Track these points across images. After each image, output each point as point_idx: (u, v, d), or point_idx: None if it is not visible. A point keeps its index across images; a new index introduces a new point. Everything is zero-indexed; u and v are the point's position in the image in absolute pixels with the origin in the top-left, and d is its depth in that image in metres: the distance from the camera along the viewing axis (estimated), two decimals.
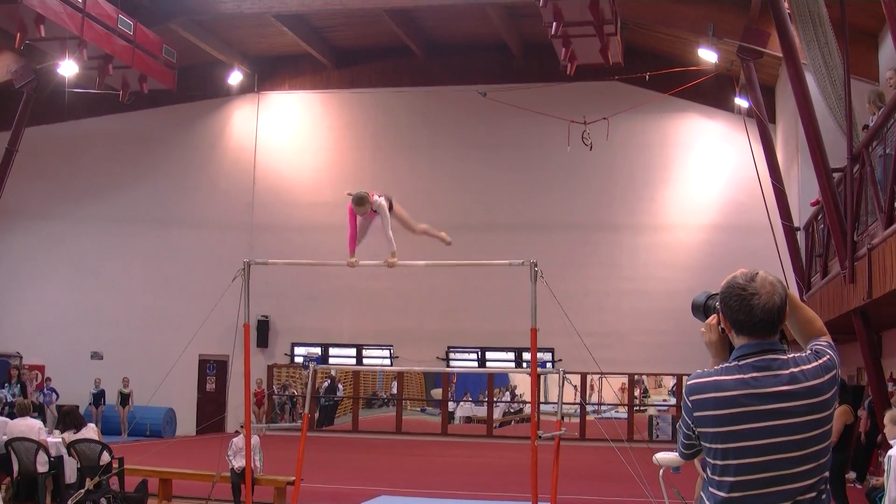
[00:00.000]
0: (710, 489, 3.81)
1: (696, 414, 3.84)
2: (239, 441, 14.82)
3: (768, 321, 3.75)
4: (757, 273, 3.78)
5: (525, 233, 29.84)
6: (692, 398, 3.84)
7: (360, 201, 11.66)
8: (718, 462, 3.78)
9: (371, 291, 31.14)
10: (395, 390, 32.16)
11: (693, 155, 31.09)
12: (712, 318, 4.00)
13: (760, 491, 3.69)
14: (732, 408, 3.73)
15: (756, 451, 3.70)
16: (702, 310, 4.14)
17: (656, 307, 29.74)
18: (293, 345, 32.29)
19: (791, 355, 3.77)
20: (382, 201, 11.80)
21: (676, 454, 12.86)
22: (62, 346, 32.29)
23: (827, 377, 3.74)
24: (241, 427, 14.97)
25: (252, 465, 13.38)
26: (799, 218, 23.62)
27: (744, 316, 3.77)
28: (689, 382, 3.90)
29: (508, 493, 16.45)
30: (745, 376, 3.74)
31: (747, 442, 3.71)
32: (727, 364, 3.83)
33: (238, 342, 12.84)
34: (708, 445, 3.83)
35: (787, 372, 3.71)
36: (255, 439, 15.39)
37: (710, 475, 3.84)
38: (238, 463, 14.58)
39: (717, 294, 3.98)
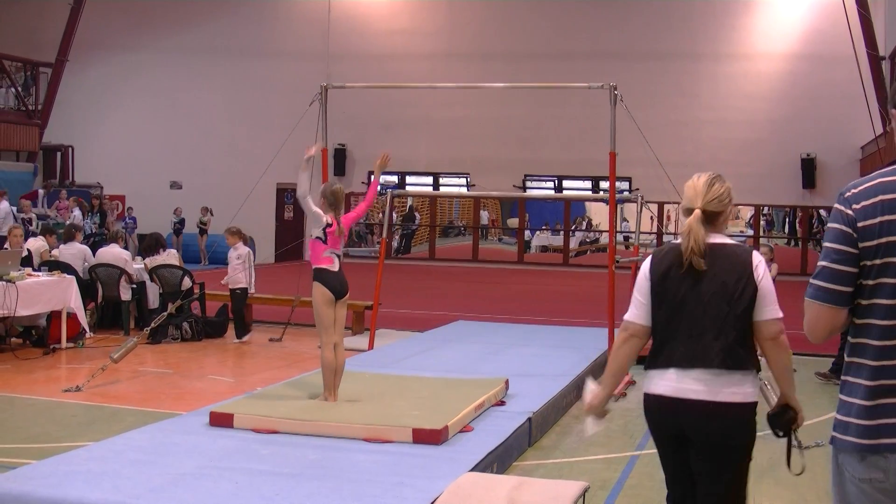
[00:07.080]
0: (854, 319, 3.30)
1: (861, 224, 3.19)
2: None
3: None
4: None
5: (604, 61, 29.19)
6: (857, 207, 3.22)
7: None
8: (868, 282, 3.22)
9: (447, 120, 30.87)
10: (474, 219, 32.24)
11: None
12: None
13: None
14: None
15: None
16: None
17: (736, 137, 29.24)
18: (369, 173, 32.27)
19: None
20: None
21: None
22: (142, 176, 32.71)
23: None
24: None
25: None
26: (885, 47, 22.94)
27: None
28: (846, 194, 3.27)
29: (585, 319, 16.51)
30: None
31: None
32: (885, 167, 3.29)
33: (315, 169, 12.85)
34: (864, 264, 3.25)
35: None
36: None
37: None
38: None
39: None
